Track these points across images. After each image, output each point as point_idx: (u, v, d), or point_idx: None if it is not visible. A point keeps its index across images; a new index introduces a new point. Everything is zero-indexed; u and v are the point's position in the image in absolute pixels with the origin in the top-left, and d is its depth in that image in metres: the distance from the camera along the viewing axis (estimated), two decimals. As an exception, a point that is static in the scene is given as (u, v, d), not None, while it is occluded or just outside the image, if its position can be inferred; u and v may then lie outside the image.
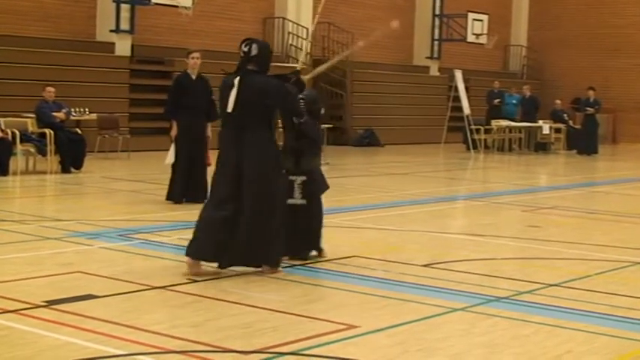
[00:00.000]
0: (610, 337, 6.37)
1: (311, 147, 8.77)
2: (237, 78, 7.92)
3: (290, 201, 8.51)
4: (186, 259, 7.99)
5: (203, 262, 8.02)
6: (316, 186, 8.79)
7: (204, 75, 12.98)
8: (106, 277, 7.79)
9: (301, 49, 27.07)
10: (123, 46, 23.06)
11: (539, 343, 6.15)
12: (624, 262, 9.38)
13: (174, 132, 12.71)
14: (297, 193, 8.61)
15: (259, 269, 8.08)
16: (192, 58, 12.80)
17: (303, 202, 8.62)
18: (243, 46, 7.97)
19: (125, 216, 11.65)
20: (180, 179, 12.74)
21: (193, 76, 12.82)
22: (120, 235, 10.04)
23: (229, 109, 7.88)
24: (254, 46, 7.96)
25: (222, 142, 8.09)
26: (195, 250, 7.95)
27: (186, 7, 22.97)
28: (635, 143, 33.35)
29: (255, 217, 7.89)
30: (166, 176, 13.04)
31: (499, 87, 29.29)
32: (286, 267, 8.37)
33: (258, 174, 7.92)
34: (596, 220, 13.01)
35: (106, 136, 20.68)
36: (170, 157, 12.76)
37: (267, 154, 8.02)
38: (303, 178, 8.64)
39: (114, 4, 22.75)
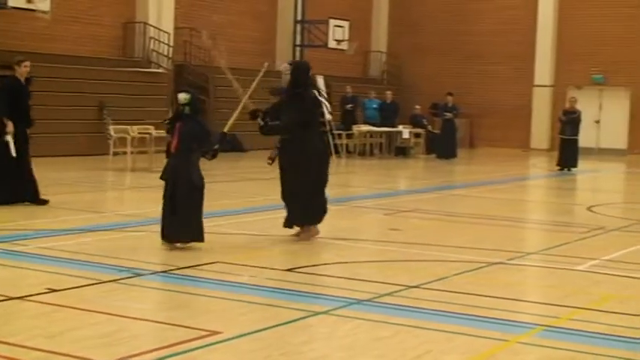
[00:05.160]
0: (468, 336, 6.53)
1: None
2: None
3: None
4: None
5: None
6: None
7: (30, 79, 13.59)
8: (-41, 288, 7.56)
9: (163, 55, 26.86)
10: (-23, 51, 22.37)
11: (399, 345, 6.26)
12: (482, 263, 9.61)
13: (11, 128, 13.01)
14: None
15: None
16: (25, 66, 13.43)
17: None
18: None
19: (-19, 225, 11.32)
20: (6, 180, 12.97)
21: (22, 81, 13.44)
22: (-25, 245, 9.75)
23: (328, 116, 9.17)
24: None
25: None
26: None
27: (44, 12, 22.43)
28: (492, 147, 34.20)
29: None
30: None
31: (352, 92, 29.72)
32: (148, 274, 8.29)
33: None
34: (454, 222, 13.31)
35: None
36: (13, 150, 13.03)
37: None
38: None
39: (-33, 7, 22.09)
